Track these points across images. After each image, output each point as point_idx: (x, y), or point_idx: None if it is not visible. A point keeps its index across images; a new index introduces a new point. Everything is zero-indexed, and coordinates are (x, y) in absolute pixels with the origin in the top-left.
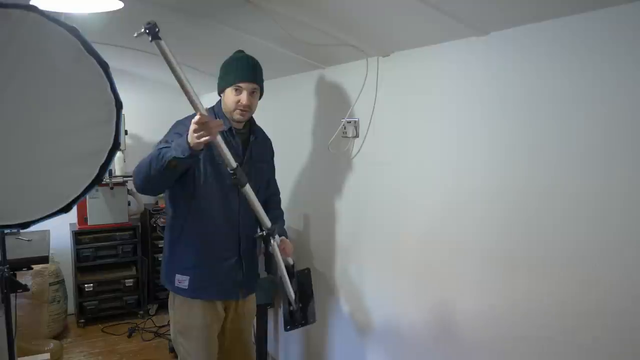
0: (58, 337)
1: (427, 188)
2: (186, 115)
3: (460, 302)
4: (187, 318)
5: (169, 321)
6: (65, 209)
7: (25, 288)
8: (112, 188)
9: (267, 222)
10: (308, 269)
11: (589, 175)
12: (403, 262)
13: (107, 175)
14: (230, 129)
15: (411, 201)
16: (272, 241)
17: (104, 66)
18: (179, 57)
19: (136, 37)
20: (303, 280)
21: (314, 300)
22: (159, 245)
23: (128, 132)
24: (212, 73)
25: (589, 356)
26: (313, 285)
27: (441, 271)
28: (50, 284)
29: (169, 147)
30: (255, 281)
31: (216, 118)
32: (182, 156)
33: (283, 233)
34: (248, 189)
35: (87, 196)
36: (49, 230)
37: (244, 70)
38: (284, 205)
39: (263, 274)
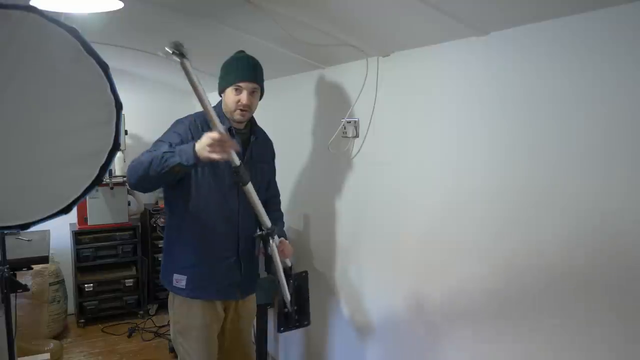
0: (58, 337)
1: (427, 188)
2: (186, 115)
3: (461, 302)
4: (186, 318)
5: (169, 321)
6: (66, 210)
7: (25, 288)
8: (112, 188)
9: (268, 222)
10: (306, 272)
11: (589, 175)
12: (403, 262)
13: (107, 175)
14: (230, 129)
15: (411, 201)
16: (271, 242)
17: (104, 67)
18: None
19: (162, 55)
20: (300, 283)
21: (309, 302)
22: (159, 245)
23: (128, 132)
24: (212, 73)
25: None
26: (312, 286)
27: (441, 271)
28: (50, 284)
29: (173, 152)
30: (255, 282)
31: None
32: (186, 164)
33: (283, 234)
34: (250, 187)
35: (87, 196)
36: (49, 230)
37: (244, 70)
38: (284, 205)
39: (263, 274)
